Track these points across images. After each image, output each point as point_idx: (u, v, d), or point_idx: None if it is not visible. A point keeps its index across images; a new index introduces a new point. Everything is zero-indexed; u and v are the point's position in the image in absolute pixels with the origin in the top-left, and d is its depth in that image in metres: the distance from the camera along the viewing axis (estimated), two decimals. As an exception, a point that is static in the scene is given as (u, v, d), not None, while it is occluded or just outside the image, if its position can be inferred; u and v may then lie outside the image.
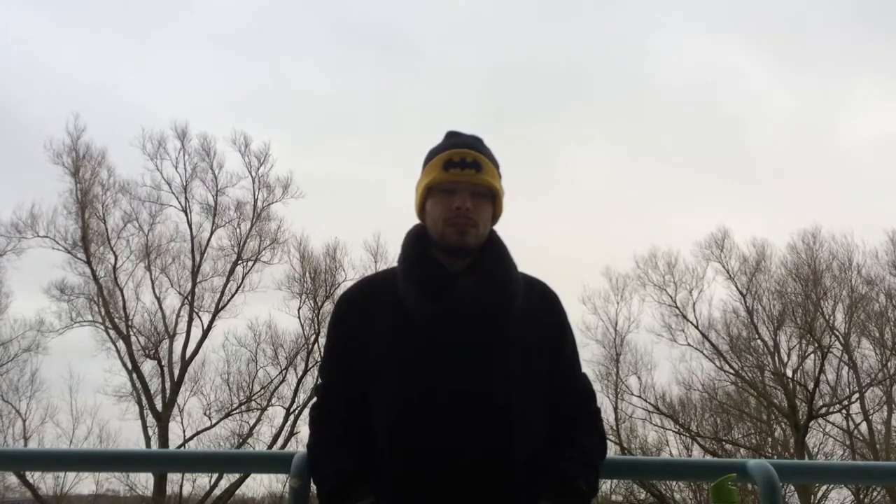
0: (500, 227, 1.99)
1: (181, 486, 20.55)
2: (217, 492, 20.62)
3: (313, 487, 1.90)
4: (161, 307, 21.94)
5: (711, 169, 33.93)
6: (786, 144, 33.58)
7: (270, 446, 20.24)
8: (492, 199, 1.91)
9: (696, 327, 23.06)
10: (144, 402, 20.85)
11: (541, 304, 1.93)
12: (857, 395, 21.65)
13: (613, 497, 22.29)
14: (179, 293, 22.20)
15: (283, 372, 22.11)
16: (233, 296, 22.39)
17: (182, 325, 21.98)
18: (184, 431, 20.94)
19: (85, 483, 20.91)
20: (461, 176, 1.86)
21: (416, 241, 1.92)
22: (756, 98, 34.21)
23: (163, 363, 21.43)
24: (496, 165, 1.95)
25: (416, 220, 1.98)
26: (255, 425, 21.55)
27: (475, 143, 1.94)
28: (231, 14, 34.44)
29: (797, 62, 34.86)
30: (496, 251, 1.92)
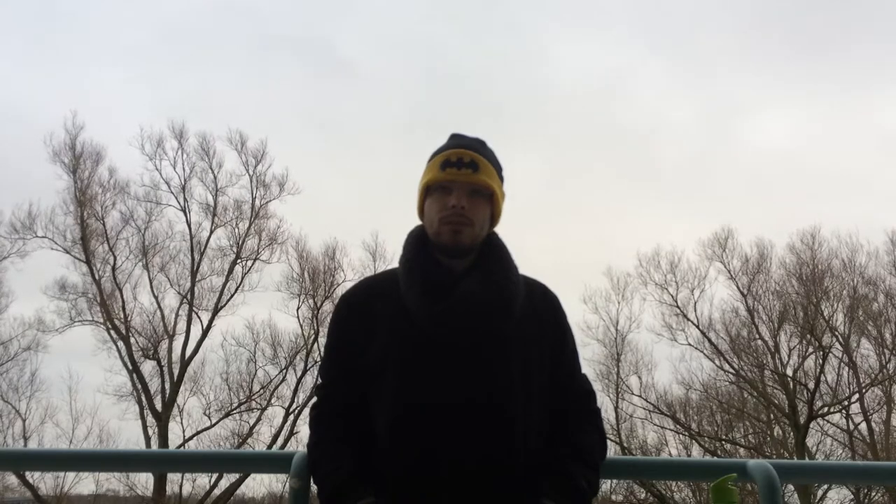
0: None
1: (181, 486, 20.58)
2: (217, 492, 20.64)
3: (313, 487, 1.90)
4: (160, 307, 22.00)
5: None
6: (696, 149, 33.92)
7: (270, 446, 20.25)
8: (489, 199, 1.91)
9: (697, 327, 23.10)
10: (144, 402, 20.87)
11: (541, 306, 1.94)
12: (857, 395, 21.69)
13: (613, 497, 22.28)
14: (178, 293, 22.25)
15: (283, 372, 22.16)
16: (232, 295, 22.44)
17: (181, 325, 22.04)
18: (184, 431, 20.99)
19: (85, 483, 20.91)
20: (457, 175, 1.87)
21: (416, 242, 1.92)
22: (657, 108, 35.01)
23: (162, 363, 21.46)
24: (498, 168, 1.96)
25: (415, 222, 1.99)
26: (254, 425, 21.60)
27: (475, 145, 1.94)
28: (160, 28, 34.35)
29: (694, 71, 35.41)
30: (497, 253, 1.92)
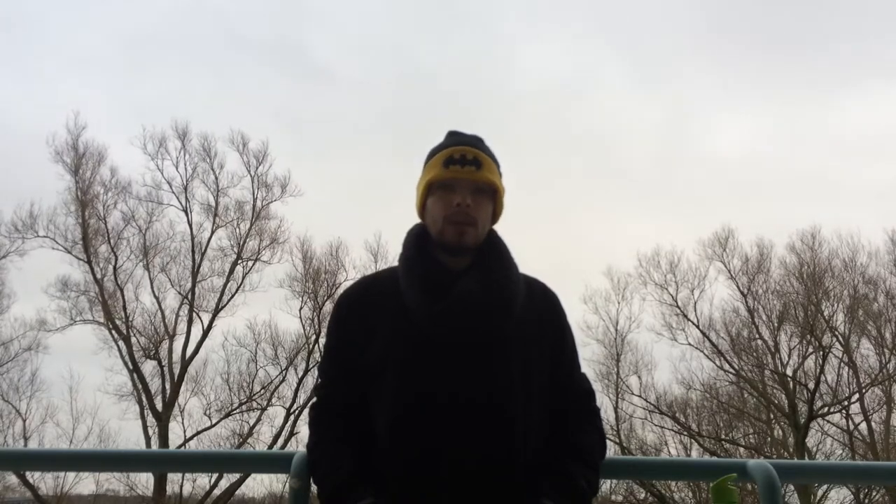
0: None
1: (181, 486, 20.54)
2: (217, 492, 20.63)
3: (313, 487, 1.90)
4: (161, 307, 21.98)
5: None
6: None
7: (270, 446, 20.22)
8: (492, 197, 1.91)
9: (697, 327, 23.09)
10: (144, 401, 20.87)
11: (541, 304, 1.93)
12: (857, 395, 21.68)
13: (613, 497, 22.25)
14: (179, 293, 22.24)
15: (284, 372, 22.13)
16: (233, 296, 22.41)
17: (182, 325, 22.03)
18: (184, 431, 20.96)
19: (85, 483, 20.88)
20: (461, 173, 1.86)
21: (416, 240, 1.92)
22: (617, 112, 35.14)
23: (163, 363, 21.45)
24: (497, 164, 1.96)
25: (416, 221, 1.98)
26: (255, 425, 21.56)
27: (476, 142, 1.94)
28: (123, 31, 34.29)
29: (651, 77, 35.52)
30: (497, 251, 1.92)
